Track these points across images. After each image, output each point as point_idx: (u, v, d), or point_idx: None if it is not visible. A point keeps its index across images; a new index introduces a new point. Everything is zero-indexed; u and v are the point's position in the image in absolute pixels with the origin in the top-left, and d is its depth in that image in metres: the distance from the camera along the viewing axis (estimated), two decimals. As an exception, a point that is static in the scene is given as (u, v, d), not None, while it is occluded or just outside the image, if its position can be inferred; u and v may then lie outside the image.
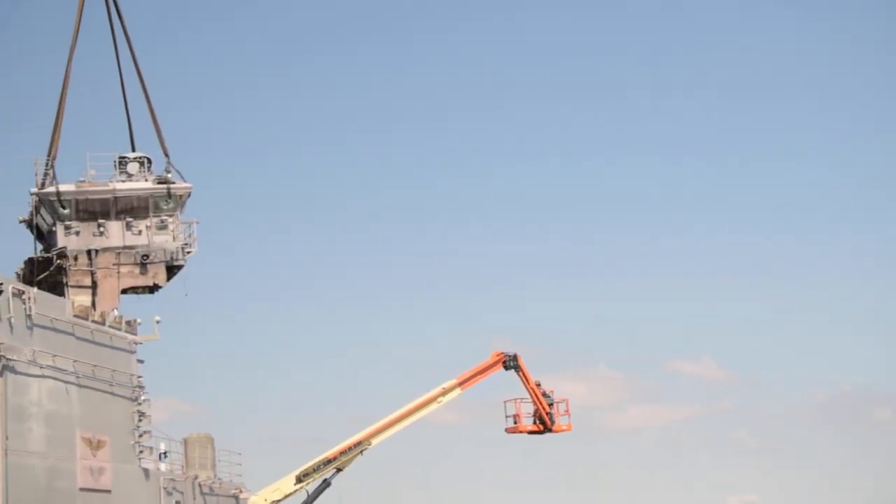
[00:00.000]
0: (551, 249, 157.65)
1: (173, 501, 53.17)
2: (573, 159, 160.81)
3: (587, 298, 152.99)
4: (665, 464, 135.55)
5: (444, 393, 64.64)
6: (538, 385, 66.76)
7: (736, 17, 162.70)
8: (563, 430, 67.49)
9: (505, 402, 67.62)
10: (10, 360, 42.57)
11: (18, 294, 43.99)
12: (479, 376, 65.53)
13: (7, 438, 41.90)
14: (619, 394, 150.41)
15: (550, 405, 66.82)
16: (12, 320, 43.18)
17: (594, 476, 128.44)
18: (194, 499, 55.44)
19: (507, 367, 65.97)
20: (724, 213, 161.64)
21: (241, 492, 60.85)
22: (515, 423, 67.41)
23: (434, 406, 64.38)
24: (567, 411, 67.41)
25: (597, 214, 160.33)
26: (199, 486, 56.29)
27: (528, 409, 66.79)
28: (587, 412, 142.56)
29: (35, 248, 56.10)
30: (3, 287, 42.69)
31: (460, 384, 64.86)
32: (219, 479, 59.13)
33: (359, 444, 62.57)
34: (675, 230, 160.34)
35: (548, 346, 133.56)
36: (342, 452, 62.18)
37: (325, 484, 62.73)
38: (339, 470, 62.69)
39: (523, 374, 66.34)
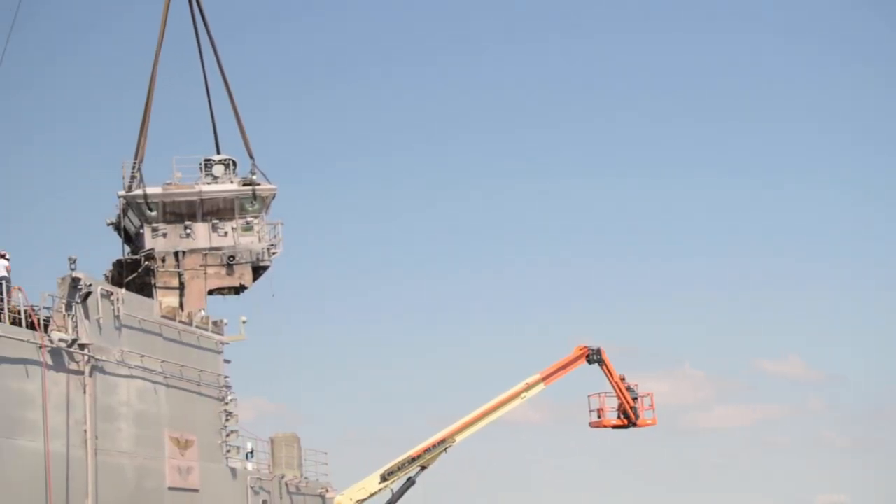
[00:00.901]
0: (635, 249, 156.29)
1: (260, 501, 53.20)
2: (660, 170, 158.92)
3: (671, 298, 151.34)
4: (752, 463, 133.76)
5: (528, 388, 64.20)
6: (622, 379, 66.08)
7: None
8: (647, 425, 66.74)
9: (589, 396, 67.12)
10: (99, 360, 42.76)
11: (107, 295, 44.18)
12: (562, 371, 64.99)
13: (96, 438, 42.07)
14: (704, 393, 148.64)
15: (635, 399, 66.12)
16: (101, 321, 43.37)
17: (681, 475, 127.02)
18: (281, 498, 55.45)
19: (590, 361, 65.41)
20: (813, 211, 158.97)
21: (327, 491, 60.75)
22: (599, 417, 66.84)
23: (518, 402, 63.99)
24: (652, 405, 66.70)
25: (682, 215, 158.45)
26: (286, 485, 56.29)
27: (612, 403, 66.28)
28: (672, 411, 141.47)
29: (123, 251, 56.35)
30: (92, 288, 42.85)
31: (543, 379, 64.39)
32: (305, 478, 59.10)
33: (443, 441, 62.29)
34: (764, 230, 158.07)
35: (632, 346, 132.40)
36: (426, 450, 61.95)
37: (410, 482, 62.52)
38: (423, 468, 62.46)
39: (607, 368, 65.72)
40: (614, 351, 68.18)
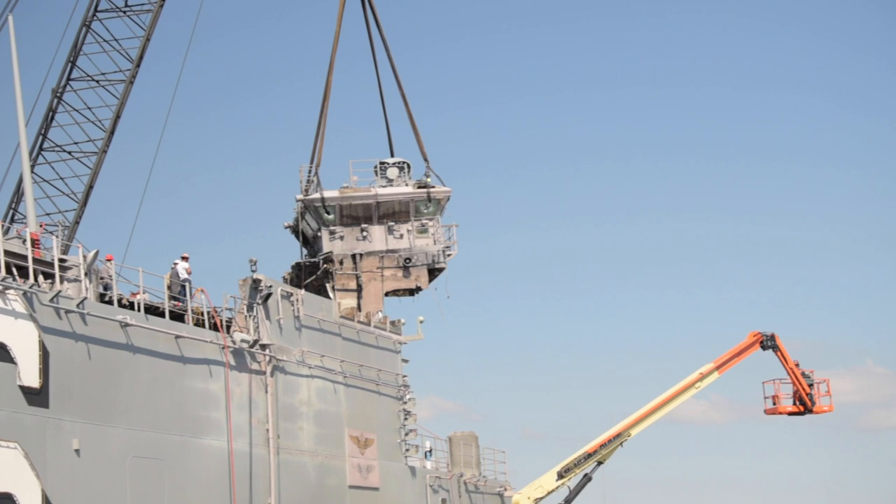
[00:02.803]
0: (815, 241, 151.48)
1: (439, 499, 52.84)
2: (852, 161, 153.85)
3: (853, 293, 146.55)
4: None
5: (702, 378, 63.02)
6: (797, 365, 64.32)
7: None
8: (823, 412, 65.00)
9: (764, 383, 65.75)
10: (280, 360, 42.85)
11: (287, 296, 44.28)
12: (736, 358, 63.69)
13: (279, 437, 42.15)
14: (888, 390, 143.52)
15: (810, 386, 64.30)
16: (282, 322, 43.46)
17: (864, 474, 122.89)
18: (460, 497, 54.99)
19: (764, 347, 63.95)
20: None
21: (505, 489, 60.17)
22: (774, 404, 65.28)
23: (692, 392, 62.82)
24: (828, 392, 64.80)
25: (863, 205, 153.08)
26: (465, 483, 55.82)
27: (787, 390, 64.73)
28: (855, 409, 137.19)
29: (301, 254, 56.76)
30: (273, 290, 42.96)
31: (717, 368, 63.12)
32: (483, 476, 58.58)
33: (618, 435, 61.44)
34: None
35: (813, 342, 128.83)
36: (602, 445, 61.10)
37: (587, 479, 61.73)
38: (599, 463, 61.62)
39: (782, 354, 64.10)
40: (794, 348, 66.18)
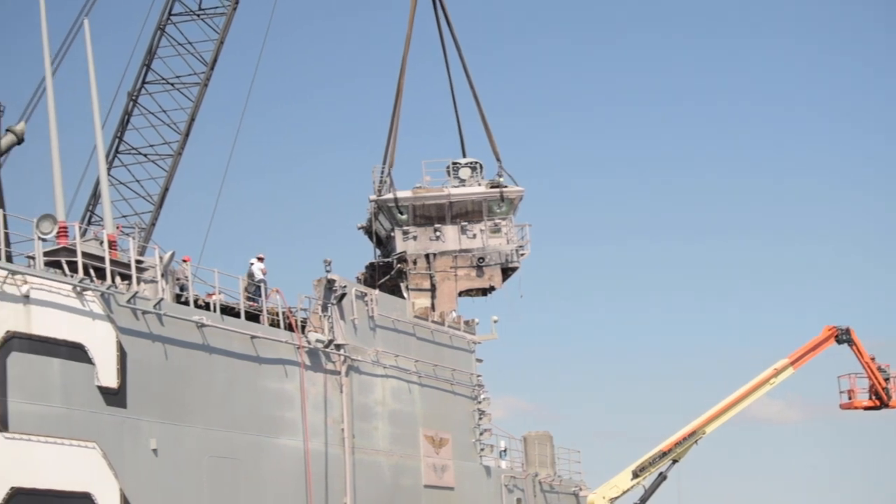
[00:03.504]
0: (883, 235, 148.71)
1: (514, 499, 52.42)
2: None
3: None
4: None
5: (777, 373, 62.30)
6: (872, 359, 63.31)
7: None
8: None
9: (839, 377, 64.86)
10: (354, 360, 42.64)
11: (361, 296, 44.08)
12: (811, 353, 62.99)
13: (354, 437, 41.95)
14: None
15: (886, 380, 63.28)
16: (356, 322, 43.27)
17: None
18: (535, 496, 54.57)
19: (839, 342, 63.15)
20: None
21: (580, 489, 59.68)
22: (850, 398, 64.29)
23: (767, 388, 62.06)
24: None
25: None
26: (540, 483, 55.38)
27: (862, 384, 63.77)
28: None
29: (374, 254, 56.64)
30: (347, 290, 42.78)
31: (792, 363, 62.46)
32: (558, 476, 58.11)
33: (693, 433, 60.82)
34: None
35: (889, 338, 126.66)
36: (677, 443, 60.44)
37: (662, 477, 61.16)
38: (674, 461, 61.00)
39: (857, 349, 63.22)
40: (869, 344, 64.97)
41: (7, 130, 36.25)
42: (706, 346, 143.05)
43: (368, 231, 57.08)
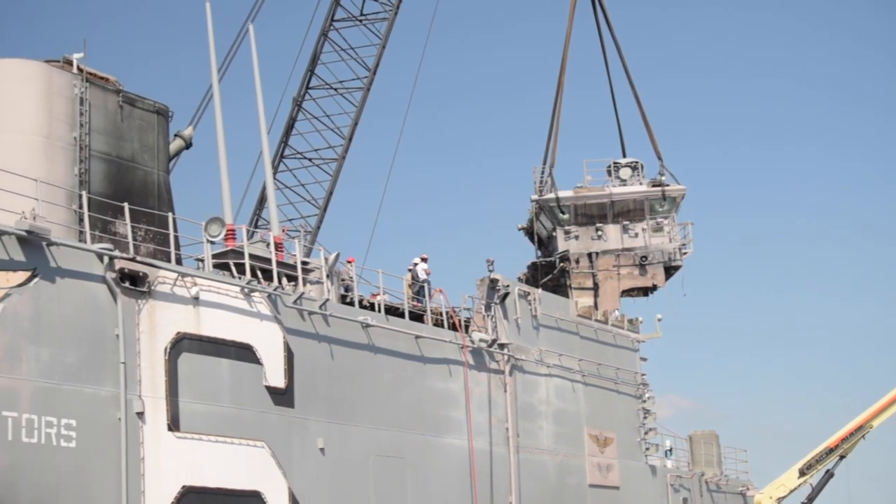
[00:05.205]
0: None
1: (680, 499, 51.16)
2: None
3: None
4: None
5: None
6: None
7: None
8: None
9: None
10: (518, 359, 41.95)
11: (524, 296, 43.37)
12: None
13: (518, 436, 41.26)
14: None
15: None
16: (519, 321, 42.56)
17: None
18: (701, 496, 53.23)
19: None
20: None
21: (747, 489, 58.09)
22: None
23: None
24: None
25: None
26: (706, 483, 53.98)
27: None
28: None
29: (535, 254, 56.02)
30: (510, 289, 42.12)
31: None
32: (725, 476, 56.66)
33: (860, 428, 58.48)
34: None
35: None
36: (843, 439, 58.22)
37: (829, 475, 59.06)
38: (842, 457, 58.82)
39: None
40: None
41: (175, 135, 36.47)
42: (880, 344, 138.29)
43: (529, 232, 56.56)
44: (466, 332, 40.03)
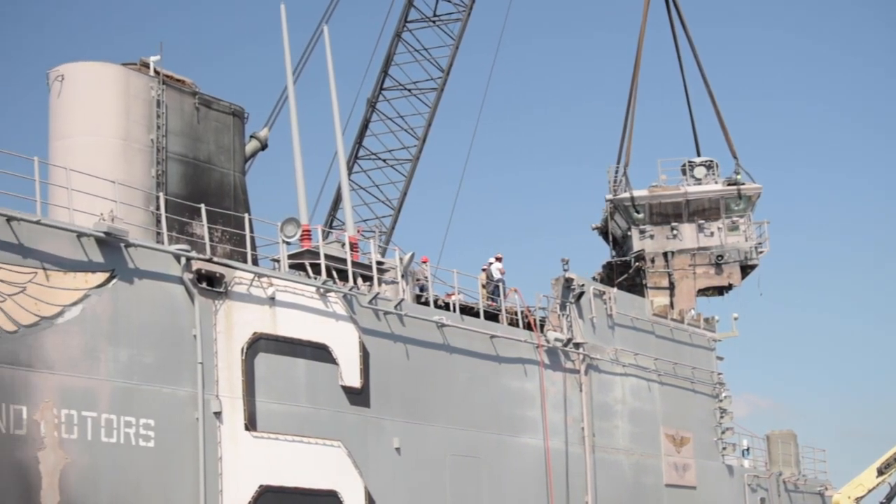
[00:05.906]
0: None
1: (758, 499, 50.38)
2: None
3: None
4: None
5: None
6: None
7: None
8: None
9: None
10: (593, 359, 41.45)
11: (599, 295, 42.85)
12: None
13: (594, 435, 40.78)
14: None
15: None
16: (594, 320, 42.05)
17: None
18: (779, 496, 52.38)
19: None
20: None
21: (825, 489, 57.09)
22: None
23: None
24: None
25: None
26: (784, 483, 53.09)
27: None
28: None
29: (610, 254, 55.44)
30: (585, 288, 41.65)
31: None
32: (803, 476, 55.71)
33: None
34: None
35: None
36: None
37: (908, 474, 57.93)
38: None
39: None
40: None
41: (251, 137, 36.44)
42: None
43: (603, 232, 56.04)
44: (541, 331, 39.65)
